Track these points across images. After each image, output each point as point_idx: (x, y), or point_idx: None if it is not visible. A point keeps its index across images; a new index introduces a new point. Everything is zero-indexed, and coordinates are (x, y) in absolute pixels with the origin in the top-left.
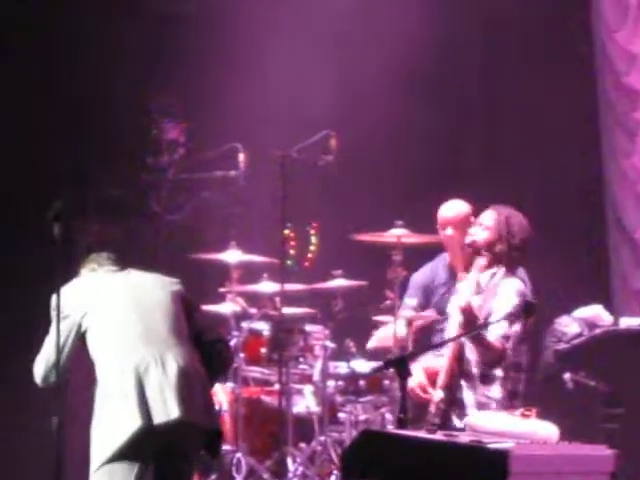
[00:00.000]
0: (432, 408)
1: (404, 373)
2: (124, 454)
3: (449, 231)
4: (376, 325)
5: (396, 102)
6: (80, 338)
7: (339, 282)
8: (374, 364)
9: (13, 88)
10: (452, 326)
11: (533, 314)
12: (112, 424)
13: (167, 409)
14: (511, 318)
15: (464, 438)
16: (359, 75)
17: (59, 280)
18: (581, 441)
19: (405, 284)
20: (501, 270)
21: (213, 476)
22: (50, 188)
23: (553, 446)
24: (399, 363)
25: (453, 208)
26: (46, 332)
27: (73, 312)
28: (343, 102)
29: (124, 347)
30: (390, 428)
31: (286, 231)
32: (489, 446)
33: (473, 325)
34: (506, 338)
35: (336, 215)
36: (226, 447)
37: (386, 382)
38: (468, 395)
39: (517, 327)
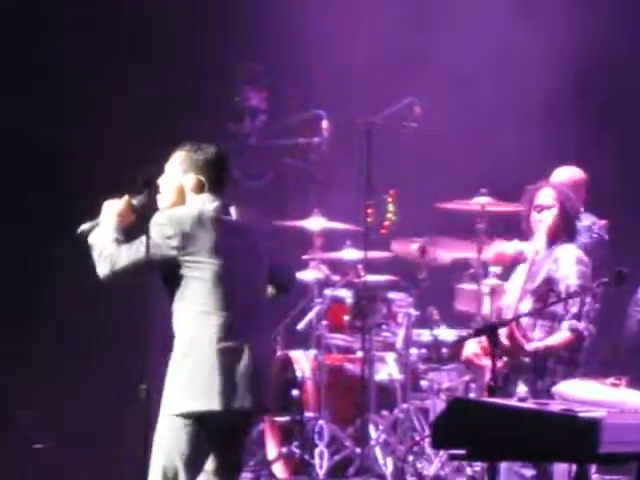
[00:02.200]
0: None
1: (494, 341)
2: (193, 417)
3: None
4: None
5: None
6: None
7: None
8: (457, 332)
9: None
10: (513, 292)
11: (624, 283)
12: (191, 389)
13: (247, 396)
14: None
15: (555, 407)
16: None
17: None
18: None
19: None
20: (561, 240)
21: (295, 442)
22: (136, 151)
23: None
24: (489, 331)
25: (568, 173)
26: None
27: (175, 242)
28: (429, 70)
29: (223, 323)
30: (475, 396)
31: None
32: (580, 415)
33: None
34: (578, 318)
35: (421, 182)
36: (309, 414)
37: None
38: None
39: (588, 303)
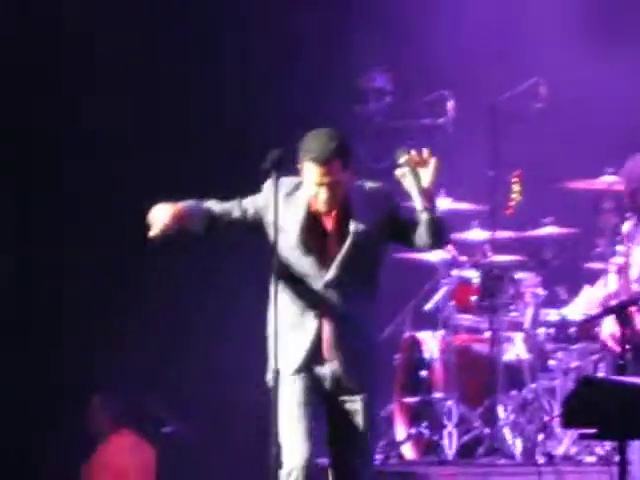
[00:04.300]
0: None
1: (624, 320)
2: None
3: None
4: (588, 275)
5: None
6: None
7: (550, 229)
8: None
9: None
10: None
11: None
12: None
13: None
14: None
15: None
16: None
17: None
18: None
19: (616, 231)
20: None
21: (424, 423)
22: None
23: None
24: (619, 310)
25: None
26: None
27: None
28: (554, 49)
29: None
30: (604, 375)
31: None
32: None
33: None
34: None
35: (547, 162)
36: (437, 395)
37: (597, 329)
38: None
39: None
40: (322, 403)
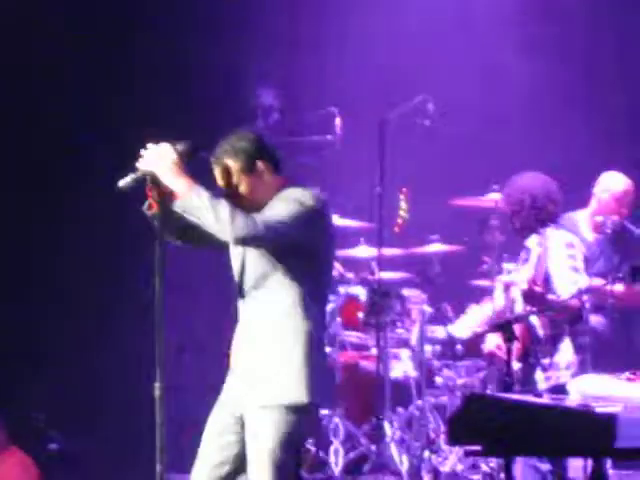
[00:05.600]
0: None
1: (510, 336)
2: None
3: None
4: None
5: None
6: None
7: (436, 246)
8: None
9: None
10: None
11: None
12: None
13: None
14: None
15: (571, 402)
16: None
17: None
18: None
19: (502, 249)
20: (544, 229)
21: (311, 441)
22: None
23: None
24: (505, 326)
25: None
26: None
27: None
28: (439, 67)
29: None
30: (489, 391)
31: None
32: (596, 410)
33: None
34: (580, 292)
35: (433, 179)
36: (324, 411)
37: (484, 346)
38: (540, 358)
39: (584, 280)
40: (233, 421)
